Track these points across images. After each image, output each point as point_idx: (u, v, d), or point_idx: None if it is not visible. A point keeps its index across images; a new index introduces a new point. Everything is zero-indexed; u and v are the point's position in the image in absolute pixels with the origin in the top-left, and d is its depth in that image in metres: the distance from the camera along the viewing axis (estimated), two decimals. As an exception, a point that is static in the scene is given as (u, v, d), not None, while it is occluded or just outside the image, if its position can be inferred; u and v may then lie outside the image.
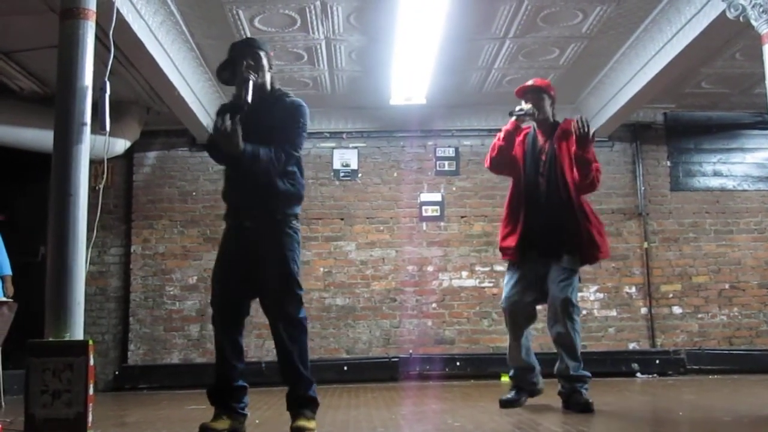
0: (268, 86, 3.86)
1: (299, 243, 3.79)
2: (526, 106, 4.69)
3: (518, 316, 4.70)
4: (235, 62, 3.88)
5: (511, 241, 4.65)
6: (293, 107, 3.81)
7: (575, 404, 4.43)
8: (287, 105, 3.81)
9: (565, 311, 4.45)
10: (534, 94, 4.73)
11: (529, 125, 4.81)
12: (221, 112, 3.74)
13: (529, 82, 4.83)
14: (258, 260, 3.69)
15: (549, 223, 4.57)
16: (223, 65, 3.98)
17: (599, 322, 7.97)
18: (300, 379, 3.64)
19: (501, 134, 4.71)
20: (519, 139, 4.75)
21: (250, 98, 3.66)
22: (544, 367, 4.85)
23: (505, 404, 4.71)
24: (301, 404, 3.64)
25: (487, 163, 4.84)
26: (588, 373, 4.57)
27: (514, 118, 4.66)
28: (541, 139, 4.75)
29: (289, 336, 3.65)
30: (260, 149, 3.57)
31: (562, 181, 4.57)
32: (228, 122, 3.48)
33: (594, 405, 4.38)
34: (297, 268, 3.72)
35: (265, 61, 3.87)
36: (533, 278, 4.64)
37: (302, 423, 3.54)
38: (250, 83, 3.71)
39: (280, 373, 3.72)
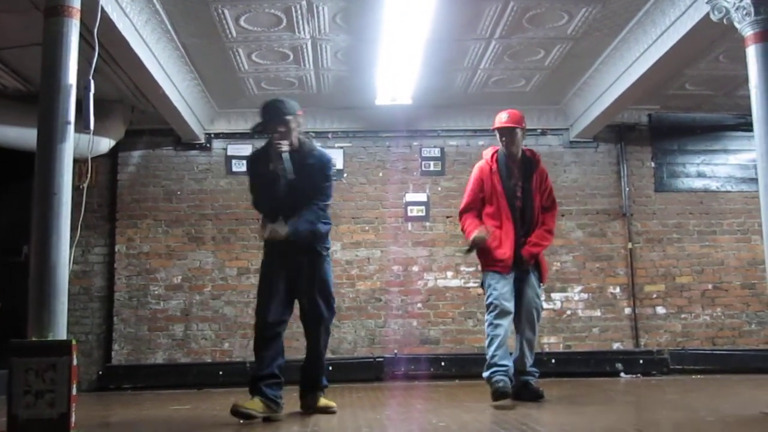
0: (297, 144, 4.55)
1: (331, 266, 4.81)
2: (480, 237, 5.08)
3: (509, 313, 4.99)
4: (266, 128, 4.56)
5: (503, 255, 5.04)
6: (321, 163, 4.62)
7: (530, 393, 5.06)
8: (316, 160, 4.59)
9: (538, 318, 5.17)
10: (508, 131, 5.20)
11: (497, 147, 5.32)
12: (254, 161, 4.69)
13: (504, 117, 5.23)
14: (302, 279, 4.57)
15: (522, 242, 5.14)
16: (256, 128, 4.63)
17: (583, 322, 8.00)
18: (324, 371, 4.77)
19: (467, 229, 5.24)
20: (492, 167, 5.23)
21: (289, 169, 4.43)
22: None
23: (502, 393, 4.74)
24: (321, 389, 4.71)
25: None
26: (536, 370, 5.23)
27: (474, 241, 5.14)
28: (512, 167, 5.24)
29: (323, 340, 4.69)
30: (299, 226, 4.43)
31: (532, 206, 5.19)
32: (279, 230, 4.39)
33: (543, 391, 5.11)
34: (332, 288, 4.74)
35: (293, 125, 4.53)
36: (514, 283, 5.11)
37: (327, 402, 4.67)
38: (286, 155, 4.44)
39: (306, 365, 4.70)
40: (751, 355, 7.82)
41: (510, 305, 4.97)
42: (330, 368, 7.49)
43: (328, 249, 4.75)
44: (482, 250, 5.14)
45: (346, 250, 8.04)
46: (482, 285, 5.21)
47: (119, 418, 5.12)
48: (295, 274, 4.56)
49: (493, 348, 4.89)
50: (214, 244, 7.99)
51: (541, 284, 5.28)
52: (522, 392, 5.04)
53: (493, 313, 4.96)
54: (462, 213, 5.31)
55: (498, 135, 5.24)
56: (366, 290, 7.99)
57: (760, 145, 4.40)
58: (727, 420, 4.16)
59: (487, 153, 5.33)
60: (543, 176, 5.29)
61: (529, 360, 5.09)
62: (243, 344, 7.65)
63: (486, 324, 5.04)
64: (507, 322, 4.95)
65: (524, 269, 5.10)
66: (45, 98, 3.80)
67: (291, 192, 4.44)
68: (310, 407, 4.64)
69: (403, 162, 8.26)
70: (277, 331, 4.49)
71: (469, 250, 5.25)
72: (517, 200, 5.17)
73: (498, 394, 4.74)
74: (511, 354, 5.04)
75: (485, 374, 4.93)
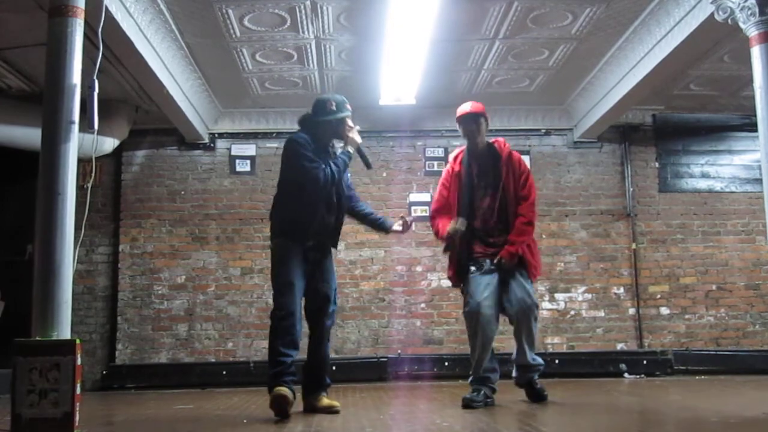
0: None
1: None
2: (453, 228, 4.92)
3: (487, 322, 4.85)
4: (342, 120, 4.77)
5: (481, 249, 4.96)
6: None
7: (534, 394, 5.00)
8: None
9: (533, 318, 4.87)
10: (468, 120, 5.06)
11: (463, 146, 5.20)
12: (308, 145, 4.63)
13: (467, 106, 5.09)
14: (318, 275, 4.69)
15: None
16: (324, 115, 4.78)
17: (587, 323, 7.99)
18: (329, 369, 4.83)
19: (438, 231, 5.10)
20: (454, 168, 5.12)
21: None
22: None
23: (468, 403, 4.72)
24: (325, 388, 4.73)
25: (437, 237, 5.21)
26: (541, 361, 5.06)
27: (450, 234, 4.96)
28: (474, 165, 5.07)
29: (328, 336, 4.78)
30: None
31: (505, 201, 4.96)
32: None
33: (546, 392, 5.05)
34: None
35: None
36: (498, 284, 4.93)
37: (333, 402, 4.65)
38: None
39: (311, 363, 4.73)
40: (755, 356, 7.81)
41: (488, 311, 4.79)
42: (333, 368, 7.53)
43: None
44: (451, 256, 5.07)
45: (350, 250, 8.04)
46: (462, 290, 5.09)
47: (123, 418, 5.13)
48: (314, 270, 4.67)
49: (473, 359, 4.89)
50: (218, 243, 7.99)
51: (532, 280, 4.98)
52: (527, 391, 5.03)
53: (469, 324, 4.88)
54: (432, 218, 5.20)
55: (459, 127, 5.11)
56: (370, 290, 7.99)
57: (764, 145, 4.38)
58: (730, 421, 4.15)
59: (453, 154, 5.24)
60: (514, 165, 5.02)
61: (530, 353, 4.90)
62: (246, 344, 7.66)
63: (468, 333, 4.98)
64: (486, 330, 4.80)
65: (506, 270, 4.87)
66: (49, 98, 3.80)
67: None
68: (313, 407, 4.64)
69: (407, 162, 8.26)
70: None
71: (447, 247, 5.07)
72: (481, 200, 4.99)
73: (463, 404, 4.73)
74: (511, 354, 5.03)
75: (469, 380, 4.97)
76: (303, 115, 4.87)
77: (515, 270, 4.89)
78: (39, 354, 3.48)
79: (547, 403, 4.91)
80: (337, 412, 4.58)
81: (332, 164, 4.54)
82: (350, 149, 4.70)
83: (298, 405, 4.66)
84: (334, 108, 4.71)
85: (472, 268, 4.92)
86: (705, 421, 4.20)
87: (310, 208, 4.57)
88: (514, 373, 5.08)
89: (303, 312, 4.65)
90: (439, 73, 6.95)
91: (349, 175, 4.94)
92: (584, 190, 8.20)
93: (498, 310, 4.91)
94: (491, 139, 5.15)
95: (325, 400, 4.66)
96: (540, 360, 5.01)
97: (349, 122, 4.77)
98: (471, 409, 4.65)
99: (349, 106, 4.79)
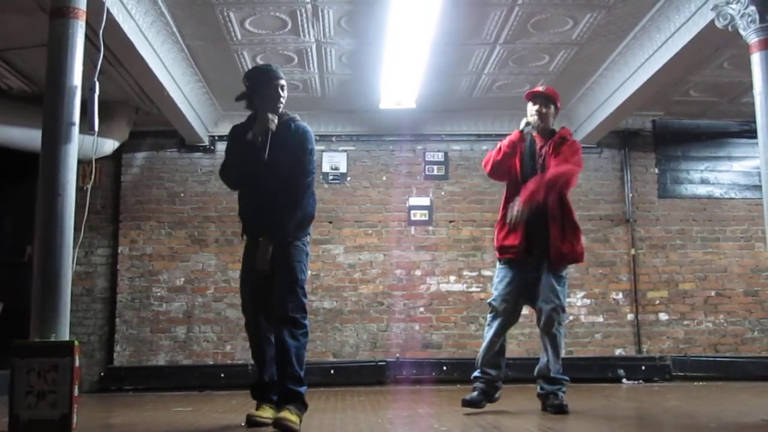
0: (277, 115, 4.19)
1: (308, 255, 4.24)
2: (531, 119, 4.79)
3: (509, 316, 4.80)
4: (253, 97, 4.21)
5: (514, 240, 4.71)
6: (301, 135, 4.22)
7: (553, 406, 4.61)
8: (294, 131, 4.21)
9: (558, 316, 4.65)
10: (543, 101, 4.88)
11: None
12: (235, 135, 4.22)
13: (541, 89, 4.98)
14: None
15: (543, 226, 4.67)
16: (241, 96, 4.27)
17: (586, 328, 7.99)
18: (292, 375, 3.92)
19: (506, 142, 4.79)
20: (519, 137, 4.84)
21: (267, 148, 4.08)
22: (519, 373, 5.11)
23: (468, 403, 4.69)
24: (287, 398, 3.91)
25: (487, 169, 4.90)
26: (566, 377, 4.76)
27: (522, 130, 4.75)
28: (538, 144, 4.86)
29: (290, 334, 3.95)
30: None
31: None
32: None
33: (568, 408, 4.59)
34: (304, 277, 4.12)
35: (284, 93, 4.25)
36: (525, 280, 4.75)
37: (285, 414, 3.78)
38: (270, 133, 4.11)
39: (276, 369, 4.03)
40: (754, 363, 7.81)
41: (504, 306, 4.73)
42: (332, 372, 7.60)
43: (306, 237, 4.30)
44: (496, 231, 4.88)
45: (349, 254, 8.04)
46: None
47: (121, 420, 5.12)
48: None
49: (481, 351, 4.85)
50: (217, 246, 7.99)
51: (562, 276, 4.72)
52: (545, 402, 4.72)
53: (490, 315, 4.85)
54: (486, 163, 4.90)
55: (531, 104, 4.89)
56: (368, 294, 7.99)
57: (764, 152, 4.39)
58: (728, 427, 4.15)
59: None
60: (572, 150, 4.79)
61: (554, 365, 4.68)
62: (245, 347, 7.62)
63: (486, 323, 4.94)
64: (499, 324, 4.76)
65: (542, 257, 4.66)
66: (50, 99, 3.81)
67: (268, 168, 4.08)
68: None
69: (406, 166, 8.26)
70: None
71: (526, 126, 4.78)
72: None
73: (464, 402, 4.71)
74: (539, 359, 4.84)
75: (472, 376, 4.88)
76: None
77: (547, 265, 4.68)
78: (37, 355, 3.48)
79: (546, 409, 4.88)
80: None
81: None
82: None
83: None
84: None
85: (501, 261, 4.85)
86: (703, 427, 4.20)
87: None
88: (538, 388, 4.83)
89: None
90: (439, 78, 6.95)
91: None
92: (584, 196, 8.20)
93: (520, 308, 4.86)
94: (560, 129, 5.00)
95: (282, 413, 3.83)
96: (564, 377, 4.75)
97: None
98: (473, 408, 4.65)
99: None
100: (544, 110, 4.88)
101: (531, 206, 4.57)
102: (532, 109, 4.88)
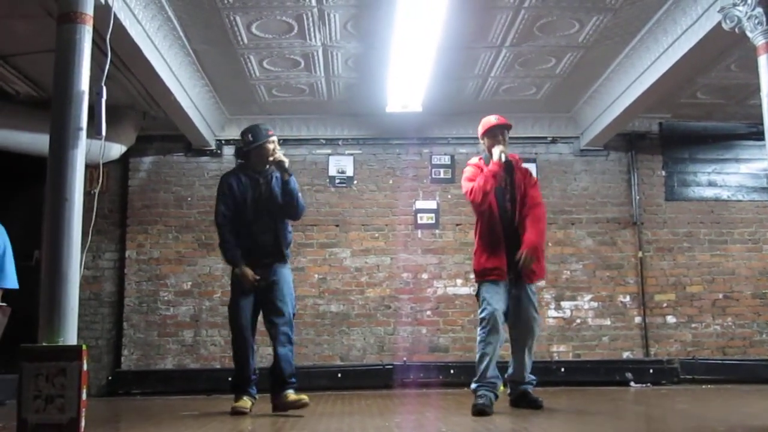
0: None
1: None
2: (505, 149, 5.11)
3: (502, 327, 4.99)
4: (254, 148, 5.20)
5: (496, 261, 5.01)
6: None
7: (528, 402, 5.06)
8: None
9: (538, 328, 5.18)
10: (507, 131, 5.24)
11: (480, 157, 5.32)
12: (231, 182, 5.25)
13: (494, 119, 5.23)
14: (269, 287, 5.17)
15: (517, 247, 5.00)
16: (248, 146, 5.23)
17: (593, 331, 7.97)
18: (292, 373, 5.02)
19: (490, 174, 5.00)
20: (483, 168, 5.14)
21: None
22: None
23: (479, 412, 4.72)
24: (286, 384, 4.95)
25: (478, 198, 5.06)
26: (534, 377, 5.22)
27: (501, 160, 5.04)
28: (499, 171, 5.11)
29: (288, 339, 5.10)
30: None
31: (519, 209, 5.11)
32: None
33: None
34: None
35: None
36: (508, 295, 5.05)
37: (293, 397, 4.90)
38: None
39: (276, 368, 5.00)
40: (762, 365, 7.77)
41: (501, 320, 4.94)
42: (339, 375, 7.59)
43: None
44: (476, 256, 5.15)
45: (356, 257, 8.04)
46: (477, 295, 5.16)
47: (128, 424, 5.13)
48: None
49: (483, 365, 4.91)
50: (224, 250, 7.98)
51: (534, 292, 5.16)
52: (520, 401, 5.10)
53: (486, 329, 4.93)
54: (467, 192, 5.15)
55: (494, 134, 5.16)
56: (375, 297, 7.99)
57: (771, 154, 4.38)
58: (737, 430, 4.14)
59: (473, 160, 5.31)
60: (526, 175, 5.25)
61: (527, 369, 5.10)
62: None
63: (478, 339, 5.01)
64: (499, 340, 4.94)
65: (521, 275, 5.01)
66: (57, 104, 3.82)
67: (263, 209, 5.21)
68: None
69: (413, 169, 8.27)
70: None
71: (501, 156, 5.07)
72: (507, 203, 5.12)
73: (476, 411, 4.74)
74: (507, 365, 5.15)
75: (472, 386, 4.97)
76: (238, 146, 5.52)
77: (525, 283, 5.05)
78: (45, 359, 3.48)
79: (552, 412, 4.89)
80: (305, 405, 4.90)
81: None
82: (276, 171, 5.16)
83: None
84: (250, 138, 5.18)
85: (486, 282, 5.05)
86: (711, 430, 4.18)
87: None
88: (508, 390, 5.20)
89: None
90: (445, 81, 6.95)
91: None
92: (591, 198, 8.20)
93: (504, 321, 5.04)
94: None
95: (291, 395, 4.92)
96: (533, 377, 5.18)
97: (269, 146, 5.14)
98: (484, 416, 4.66)
99: (269, 132, 5.21)
100: (506, 138, 5.20)
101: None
102: (505, 138, 5.17)
